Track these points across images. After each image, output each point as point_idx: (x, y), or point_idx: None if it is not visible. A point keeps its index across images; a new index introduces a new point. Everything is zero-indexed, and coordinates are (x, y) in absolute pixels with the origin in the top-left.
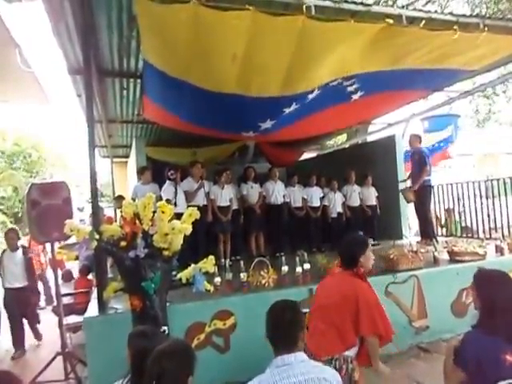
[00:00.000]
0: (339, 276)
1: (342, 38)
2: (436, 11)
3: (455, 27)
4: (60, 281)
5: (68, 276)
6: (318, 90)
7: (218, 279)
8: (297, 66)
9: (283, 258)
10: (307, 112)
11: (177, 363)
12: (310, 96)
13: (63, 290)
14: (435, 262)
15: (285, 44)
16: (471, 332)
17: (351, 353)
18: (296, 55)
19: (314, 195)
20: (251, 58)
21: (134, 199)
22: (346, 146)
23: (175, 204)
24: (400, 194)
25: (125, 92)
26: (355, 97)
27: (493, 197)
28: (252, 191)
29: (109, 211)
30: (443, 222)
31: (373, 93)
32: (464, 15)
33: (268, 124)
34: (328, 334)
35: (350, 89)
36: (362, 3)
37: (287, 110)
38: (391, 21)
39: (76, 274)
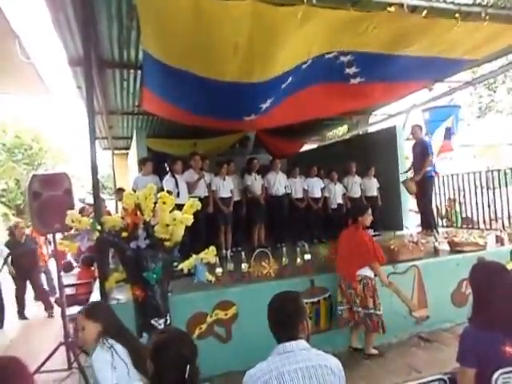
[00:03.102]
0: (351, 229)
1: (342, 23)
2: (438, 0)
3: (457, 16)
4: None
5: (68, 267)
6: (312, 59)
7: (219, 270)
8: (296, 49)
9: (284, 249)
10: (302, 84)
11: (183, 348)
12: (304, 66)
13: (65, 281)
14: (436, 252)
15: (286, 31)
16: (468, 327)
17: (370, 273)
18: (296, 40)
19: (315, 186)
20: (253, 47)
21: (134, 190)
22: (347, 137)
23: (178, 195)
24: (401, 184)
25: (125, 83)
26: (354, 81)
27: (493, 188)
28: (256, 183)
29: (110, 203)
30: (444, 212)
31: (373, 81)
32: (466, 4)
33: (268, 103)
34: (349, 263)
35: (348, 70)
36: None
37: (283, 85)
38: (393, 9)
39: (76, 265)
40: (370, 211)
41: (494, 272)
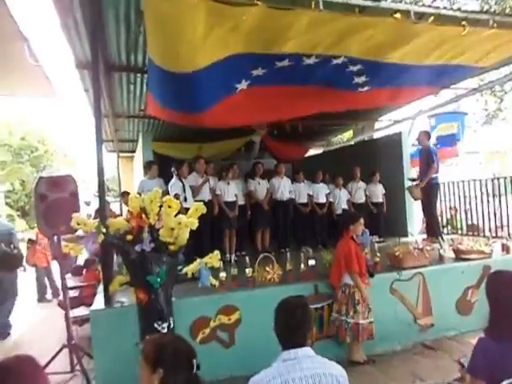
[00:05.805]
0: (343, 236)
1: (348, 29)
2: (445, 7)
3: (464, 23)
4: (69, 274)
5: (78, 271)
6: (316, 58)
7: (223, 274)
8: (300, 42)
9: (288, 254)
10: (307, 78)
11: (180, 345)
12: (307, 60)
13: (69, 284)
14: (441, 259)
15: (291, 32)
16: (481, 338)
17: (351, 281)
18: (302, 37)
19: (320, 191)
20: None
21: (140, 194)
22: (352, 142)
23: (185, 199)
24: (406, 191)
25: (132, 87)
26: (362, 90)
27: (499, 195)
28: (260, 187)
29: (115, 206)
30: (446, 219)
31: (381, 87)
32: (474, 11)
33: (260, 71)
34: (333, 270)
35: (357, 80)
36: None
37: (279, 64)
38: (399, 16)
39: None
40: (361, 220)
41: (505, 281)
